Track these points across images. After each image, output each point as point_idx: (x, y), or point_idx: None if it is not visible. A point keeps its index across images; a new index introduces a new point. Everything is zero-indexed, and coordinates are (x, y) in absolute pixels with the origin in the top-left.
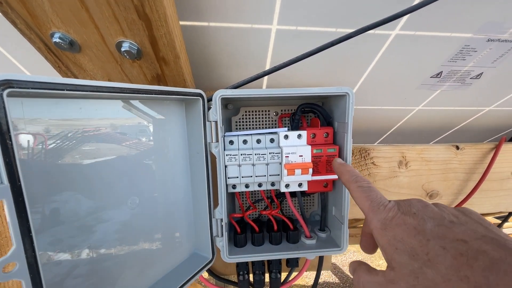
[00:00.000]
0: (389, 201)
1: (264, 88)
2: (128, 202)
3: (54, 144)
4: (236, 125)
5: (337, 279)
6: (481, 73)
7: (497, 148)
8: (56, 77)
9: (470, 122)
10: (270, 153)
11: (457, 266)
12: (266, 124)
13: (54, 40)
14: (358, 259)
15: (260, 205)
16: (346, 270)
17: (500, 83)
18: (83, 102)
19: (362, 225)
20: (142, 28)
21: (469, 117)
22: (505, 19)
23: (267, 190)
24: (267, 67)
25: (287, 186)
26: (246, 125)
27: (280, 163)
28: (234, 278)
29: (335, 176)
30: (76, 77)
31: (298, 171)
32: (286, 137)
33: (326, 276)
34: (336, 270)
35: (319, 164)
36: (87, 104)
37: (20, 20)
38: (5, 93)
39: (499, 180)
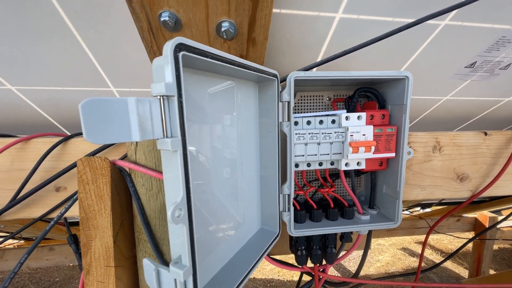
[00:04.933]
0: None
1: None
2: (224, 172)
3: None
4: (293, 109)
5: (338, 273)
6: (510, 64)
7: None
8: (210, 47)
9: (490, 112)
10: (335, 132)
11: None
12: (320, 107)
13: (163, 18)
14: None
15: (312, 184)
16: (343, 262)
17: None
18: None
19: None
20: (248, 8)
21: (490, 107)
22: None
23: (322, 169)
24: (321, 54)
25: (346, 164)
26: (302, 108)
27: (343, 142)
28: (278, 258)
29: (392, 154)
30: None
31: (361, 149)
32: (347, 118)
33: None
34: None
35: (379, 143)
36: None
37: None
38: (180, 54)
39: None
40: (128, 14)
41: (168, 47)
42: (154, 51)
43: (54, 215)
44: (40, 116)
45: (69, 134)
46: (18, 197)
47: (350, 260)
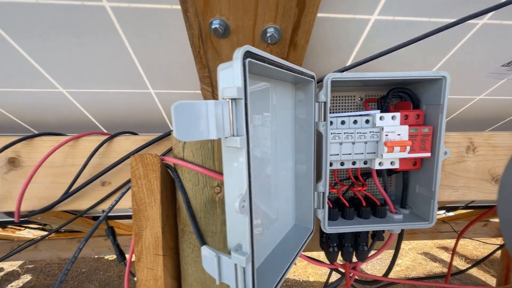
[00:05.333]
0: None
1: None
2: (267, 169)
3: None
4: None
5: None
6: None
7: None
8: (269, 54)
9: None
10: (370, 132)
11: None
12: (351, 108)
13: (214, 26)
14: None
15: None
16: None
17: None
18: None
19: None
20: (293, 14)
21: None
22: None
23: (354, 168)
24: (353, 56)
25: (380, 163)
26: (334, 109)
27: (377, 142)
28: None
29: (428, 154)
30: (208, 62)
31: (396, 149)
32: (381, 118)
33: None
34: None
35: (414, 143)
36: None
37: (193, 8)
38: (247, 61)
39: None
40: (172, 21)
41: (239, 54)
42: (201, 56)
43: (100, 207)
44: (84, 116)
45: (106, 132)
46: (70, 190)
47: (367, 264)
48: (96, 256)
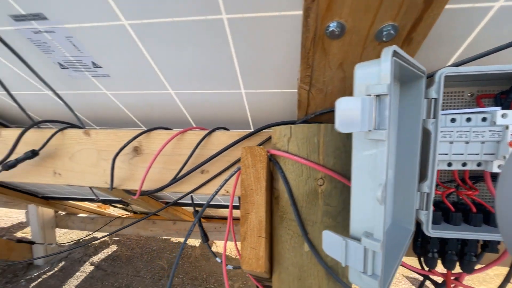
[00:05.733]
0: None
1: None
2: None
3: None
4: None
5: None
6: None
7: None
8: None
9: None
10: (490, 131)
11: None
12: (459, 105)
13: (331, 29)
14: None
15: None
16: None
17: None
18: None
19: None
20: (416, 11)
21: None
22: None
23: (461, 170)
24: (461, 49)
25: (500, 166)
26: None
27: (498, 142)
28: None
29: None
30: (313, 62)
31: None
32: (504, 115)
33: None
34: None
35: None
36: None
37: (314, 14)
38: (393, 60)
39: None
40: (275, 26)
41: (389, 54)
42: (308, 57)
43: (199, 191)
44: (181, 113)
45: (204, 128)
46: (178, 176)
47: None
48: (164, 237)
